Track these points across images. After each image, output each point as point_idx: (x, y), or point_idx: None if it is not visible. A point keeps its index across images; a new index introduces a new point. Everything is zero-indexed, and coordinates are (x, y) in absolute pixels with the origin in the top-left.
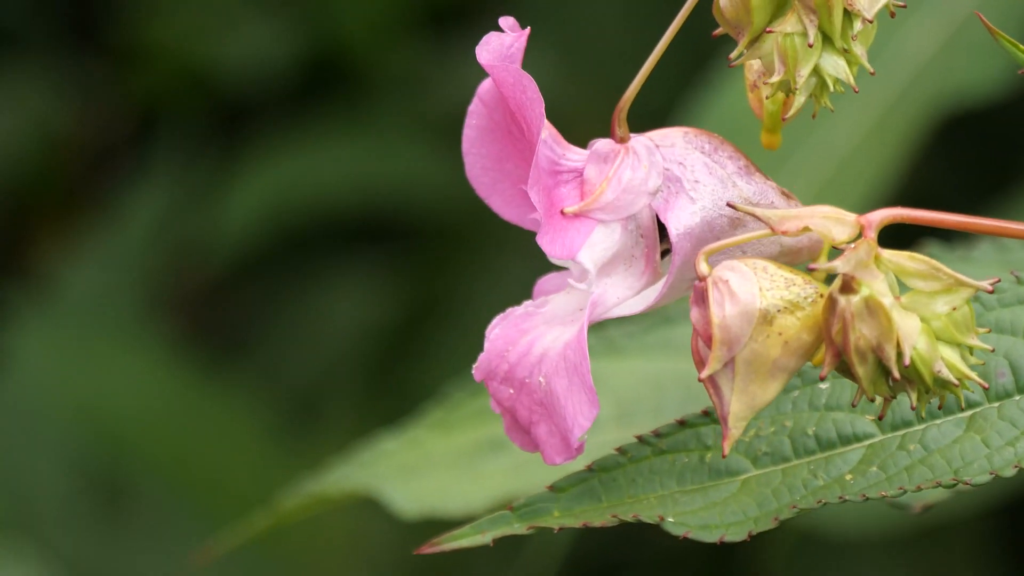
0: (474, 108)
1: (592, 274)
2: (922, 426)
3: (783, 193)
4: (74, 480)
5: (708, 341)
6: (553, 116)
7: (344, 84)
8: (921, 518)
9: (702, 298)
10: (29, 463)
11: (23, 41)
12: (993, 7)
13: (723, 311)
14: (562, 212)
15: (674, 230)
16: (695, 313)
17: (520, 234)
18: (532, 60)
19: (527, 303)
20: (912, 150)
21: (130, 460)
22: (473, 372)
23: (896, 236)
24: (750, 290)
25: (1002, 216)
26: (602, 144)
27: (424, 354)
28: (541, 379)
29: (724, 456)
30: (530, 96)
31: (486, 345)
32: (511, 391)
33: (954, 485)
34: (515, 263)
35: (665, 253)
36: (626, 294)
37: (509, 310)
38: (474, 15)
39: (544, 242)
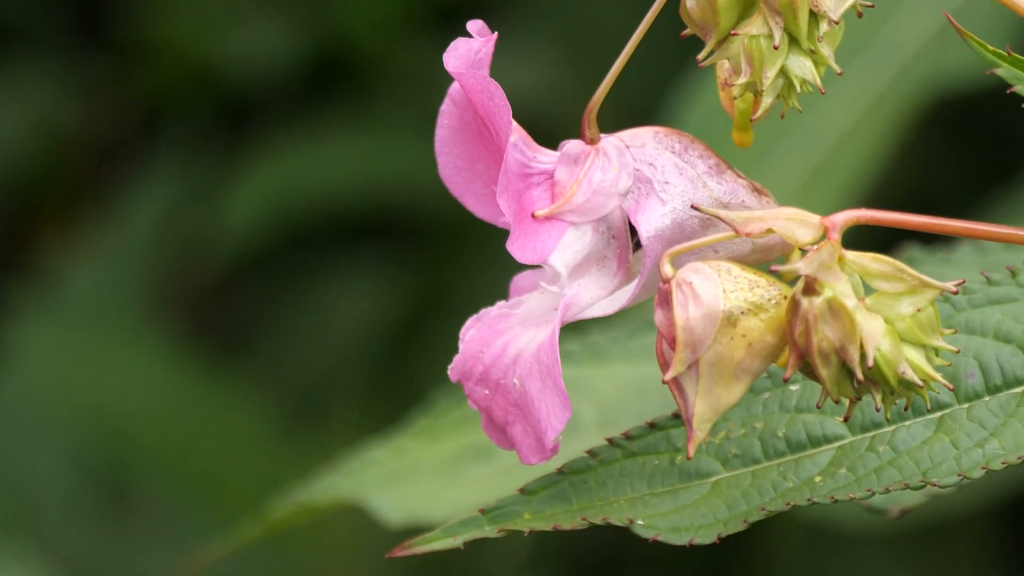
0: (445, 108)
1: (564, 276)
2: (892, 427)
3: (755, 190)
4: (77, 478)
5: (672, 343)
6: (557, 111)
7: (349, 81)
8: (924, 515)
9: (666, 300)
10: (31, 461)
11: (28, 38)
12: None
13: (687, 313)
14: (533, 215)
15: (644, 232)
16: (659, 315)
17: None
18: (535, 56)
19: (501, 303)
20: (902, 139)
21: (133, 458)
22: (448, 372)
23: (877, 238)
24: (714, 292)
25: (1005, 208)
26: (572, 145)
27: (429, 351)
28: (516, 380)
29: (688, 458)
30: (497, 103)
31: (461, 346)
32: (486, 392)
33: (922, 487)
34: None
35: (637, 251)
36: (599, 294)
37: (483, 311)
38: (479, 12)
39: (514, 248)
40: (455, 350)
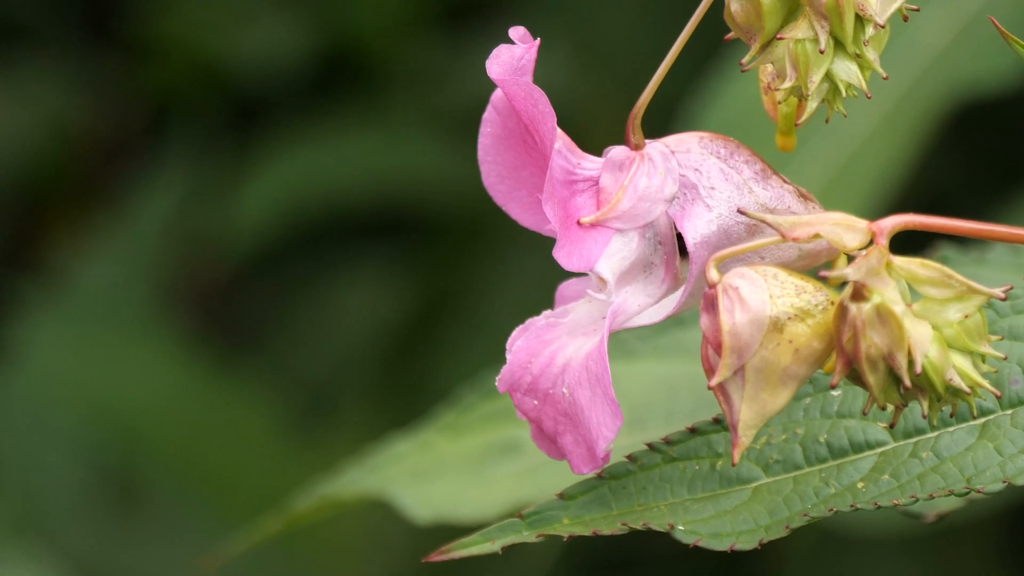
0: (488, 116)
1: (611, 284)
2: (935, 434)
3: (801, 195)
4: (85, 476)
5: (718, 348)
6: (568, 111)
7: (358, 79)
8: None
9: (712, 305)
10: (40, 458)
11: (37, 36)
12: (1005, 1)
13: (733, 318)
14: (578, 222)
15: (691, 239)
16: (705, 320)
17: None
18: (545, 55)
19: (547, 312)
20: (924, 141)
21: (142, 456)
22: (496, 384)
23: (910, 237)
24: (760, 297)
25: (1017, 211)
26: (617, 152)
27: (438, 349)
28: (565, 390)
29: (734, 464)
30: (542, 110)
31: (508, 357)
32: (535, 402)
33: (967, 493)
34: (530, 256)
35: (684, 257)
36: (646, 302)
37: (529, 321)
38: (489, 9)
39: (561, 255)
40: (465, 347)
